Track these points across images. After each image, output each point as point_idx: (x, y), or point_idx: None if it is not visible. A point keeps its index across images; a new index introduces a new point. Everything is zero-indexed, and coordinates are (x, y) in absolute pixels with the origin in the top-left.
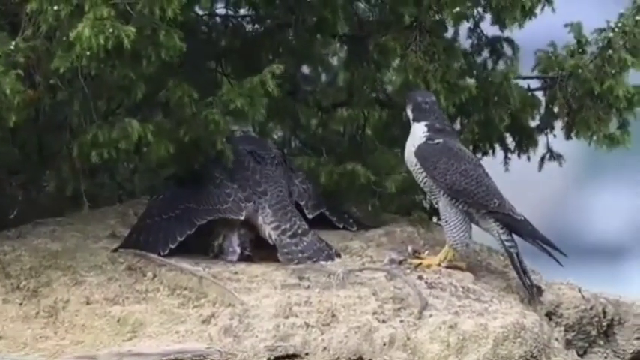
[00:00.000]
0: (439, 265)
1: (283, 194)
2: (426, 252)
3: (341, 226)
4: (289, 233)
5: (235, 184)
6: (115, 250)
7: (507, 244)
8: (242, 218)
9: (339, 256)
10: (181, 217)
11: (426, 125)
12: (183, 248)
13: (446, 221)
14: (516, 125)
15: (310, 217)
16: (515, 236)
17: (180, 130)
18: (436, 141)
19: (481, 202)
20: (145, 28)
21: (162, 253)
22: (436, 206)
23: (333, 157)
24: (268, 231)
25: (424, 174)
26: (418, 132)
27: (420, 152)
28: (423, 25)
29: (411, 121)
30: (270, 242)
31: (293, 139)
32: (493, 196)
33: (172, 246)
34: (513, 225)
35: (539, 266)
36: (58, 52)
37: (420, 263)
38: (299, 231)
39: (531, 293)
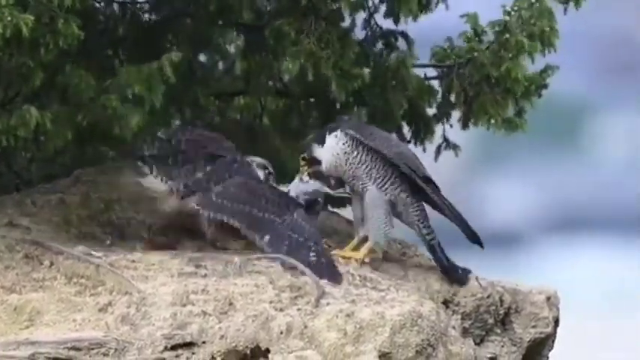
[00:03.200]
0: (363, 260)
1: None
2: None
3: None
4: None
5: None
6: None
7: (428, 237)
8: None
9: None
10: None
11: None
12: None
13: (372, 215)
14: (413, 114)
15: None
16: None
17: (79, 115)
18: (352, 128)
19: (414, 168)
20: (43, 15)
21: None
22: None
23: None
24: None
25: (361, 152)
26: (331, 140)
27: (352, 133)
28: (319, 11)
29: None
30: None
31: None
32: (422, 165)
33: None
34: (437, 202)
35: None
36: None
37: (349, 258)
38: None
39: (464, 276)
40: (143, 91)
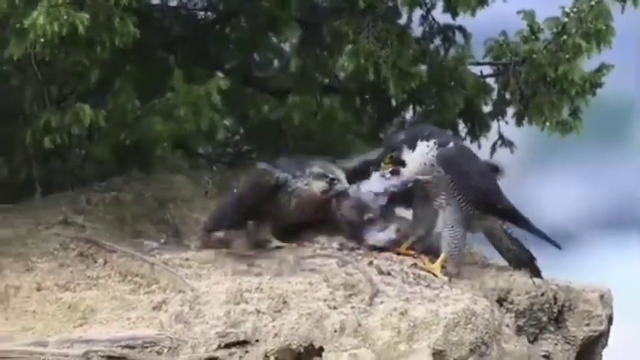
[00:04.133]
0: (440, 272)
1: None
2: None
3: None
4: None
5: None
6: None
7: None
8: None
9: None
10: None
11: (429, 141)
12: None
13: (451, 226)
14: (469, 111)
15: None
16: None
17: (122, 134)
18: (449, 146)
19: (494, 201)
20: (99, 14)
21: None
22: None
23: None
24: None
25: (445, 179)
26: (422, 148)
27: (441, 158)
28: (376, 10)
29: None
30: None
31: (241, 126)
32: (501, 194)
33: None
34: (517, 220)
35: (491, 254)
36: (12, 39)
37: (429, 271)
38: None
39: (535, 267)
40: (190, 115)
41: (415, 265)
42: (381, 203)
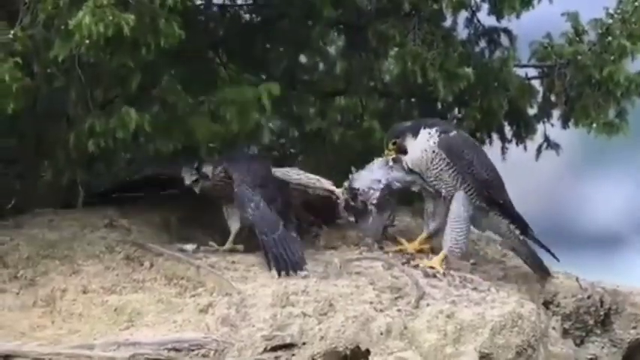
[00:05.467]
0: (441, 267)
1: None
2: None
3: None
4: None
5: None
6: None
7: (517, 232)
8: None
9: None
10: None
11: (431, 128)
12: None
13: (455, 220)
14: (515, 114)
15: None
16: None
17: (173, 132)
18: (451, 134)
19: (496, 196)
20: (145, 15)
21: None
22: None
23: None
24: None
25: (447, 166)
26: (424, 136)
27: (443, 143)
28: (421, 13)
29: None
30: None
31: (291, 129)
32: (504, 191)
33: None
34: (517, 222)
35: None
36: (57, 40)
37: (429, 267)
38: None
39: (546, 270)
40: (235, 115)
41: (417, 266)
42: (381, 192)
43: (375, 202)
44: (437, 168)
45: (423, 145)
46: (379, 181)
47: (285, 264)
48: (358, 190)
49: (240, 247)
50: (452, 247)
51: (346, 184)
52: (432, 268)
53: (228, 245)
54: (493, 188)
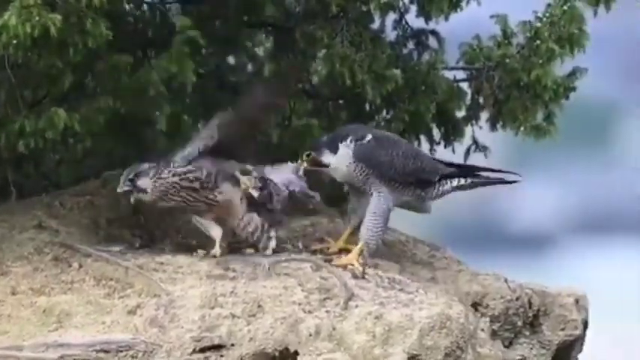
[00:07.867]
0: (357, 262)
1: None
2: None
3: None
4: None
5: None
6: None
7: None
8: None
9: None
10: None
11: (346, 140)
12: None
13: (374, 212)
14: (443, 116)
15: None
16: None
17: (117, 102)
18: (365, 140)
19: (430, 176)
20: (72, 15)
21: None
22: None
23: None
24: None
25: (370, 172)
26: (343, 150)
27: (358, 154)
28: (349, 15)
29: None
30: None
31: None
32: (437, 165)
33: None
34: (461, 174)
35: (466, 258)
36: None
37: (345, 266)
38: None
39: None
40: (173, 68)
41: (336, 265)
42: (287, 191)
43: (280, 198)
44: (361, 175)
45: (344, 159)
46: (289, 180)
47: None
48: (269, 181)
49: (224, 245)
50: (367, 239)
51: (255, 173)
52: (351, 265)
53: (218, 250)
54: (423, 172)
